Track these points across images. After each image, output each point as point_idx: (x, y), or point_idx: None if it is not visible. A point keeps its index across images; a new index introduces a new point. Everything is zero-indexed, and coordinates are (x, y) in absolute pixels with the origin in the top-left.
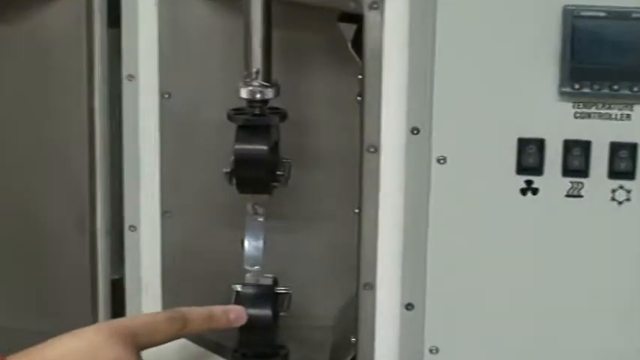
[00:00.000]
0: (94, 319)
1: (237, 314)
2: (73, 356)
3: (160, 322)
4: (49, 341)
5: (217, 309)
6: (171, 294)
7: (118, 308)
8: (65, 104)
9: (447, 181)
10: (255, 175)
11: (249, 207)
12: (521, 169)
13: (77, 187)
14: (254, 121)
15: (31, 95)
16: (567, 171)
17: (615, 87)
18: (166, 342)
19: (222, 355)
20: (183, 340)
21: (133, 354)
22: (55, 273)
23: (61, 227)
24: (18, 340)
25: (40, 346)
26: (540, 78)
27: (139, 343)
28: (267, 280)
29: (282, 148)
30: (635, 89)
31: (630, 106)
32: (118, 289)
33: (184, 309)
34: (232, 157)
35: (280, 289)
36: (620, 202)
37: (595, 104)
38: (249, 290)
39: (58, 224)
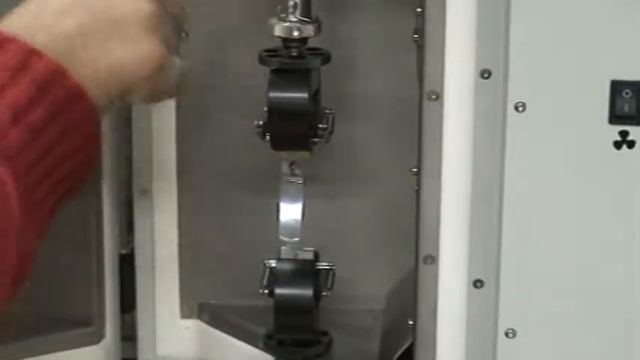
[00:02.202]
0: (100, 301)
1: None
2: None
3: None
4: None
5: None
6: (191, 270)
7: (127, 288)
8: None
9: (526, 132)
10: (293, 129)
11: (285, 167)
12: (615, 118)
13: None
14: (291, 64)
15: None
16: None
17: None
18: None
19: (251, 343)
20: (201, 325)
21: None
22: (52, 247)
23: None
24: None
25: None
26: None
27: None
28: (306, 254)
29: (324, 97)
30: None
31: None
32: (127, 265)
33: None
34: (265, 107)
35: (322, 265)
36: None
37: None
38: (286, 266)
39: None
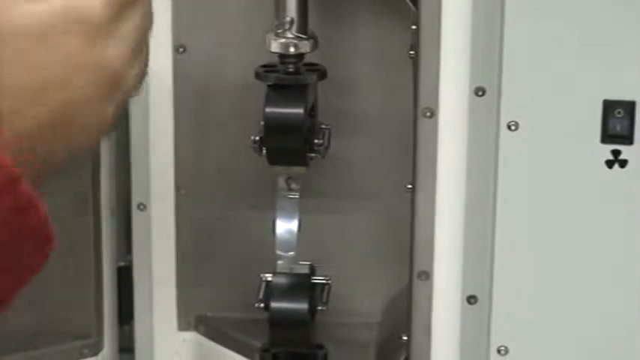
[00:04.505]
0: (98, 312)
1: None
2: None
3: None
4: None
5: None
6: (188, 284)
7: (125, 300)
8: None
9: (519, 150)
10: (289, 144)
11: (281, 182)
12: (606, 137)
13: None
14: (287, 79)
15: None
16: None
17: None
18: None
19: (247, 356)
20: (199, 337)
21: None
22: (52, 259)
23: (59, 206)
24: (10, 338)
25: None
26: (632, 27)
27: None
28: (302, 269)
29: (321, 112)
30: None
31: None
32: (125, 278)
33: None
34: (262, 123)
35: (318, 279)
36: None
37: None
38: (282, 280)
39: (55, 202)
